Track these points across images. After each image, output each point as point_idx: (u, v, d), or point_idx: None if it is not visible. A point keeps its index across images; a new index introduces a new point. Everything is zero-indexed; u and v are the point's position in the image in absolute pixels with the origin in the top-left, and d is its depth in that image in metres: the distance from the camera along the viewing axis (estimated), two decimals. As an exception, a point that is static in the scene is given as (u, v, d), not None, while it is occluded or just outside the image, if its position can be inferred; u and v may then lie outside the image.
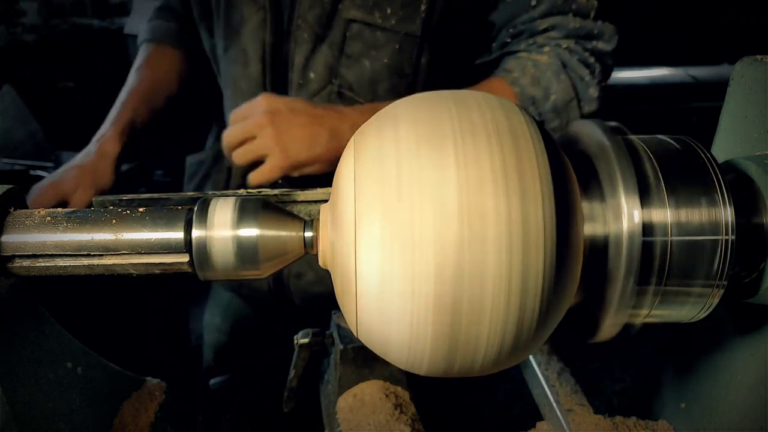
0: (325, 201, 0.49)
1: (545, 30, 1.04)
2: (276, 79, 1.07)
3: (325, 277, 1.16)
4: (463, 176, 0.37)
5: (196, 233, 0.42)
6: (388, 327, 0.39)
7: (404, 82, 1.05)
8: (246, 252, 0.42)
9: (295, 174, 0.95)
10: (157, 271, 0.44)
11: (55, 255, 0.42)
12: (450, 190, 0.37)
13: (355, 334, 0.44)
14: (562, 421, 0.60)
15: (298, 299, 1.21)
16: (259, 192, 0.50)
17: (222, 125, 1.15)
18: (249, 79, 1.08)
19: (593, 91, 1.03)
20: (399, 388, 0.68)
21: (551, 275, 0.38)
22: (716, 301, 0.43)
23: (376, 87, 1.04)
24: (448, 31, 1.05)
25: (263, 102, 0.93)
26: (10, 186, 0.44)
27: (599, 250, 0.41)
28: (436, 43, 1.04)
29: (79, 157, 1.10)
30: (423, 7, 0.99)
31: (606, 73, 1.06)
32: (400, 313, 0.38)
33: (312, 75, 1.04)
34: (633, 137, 0.45)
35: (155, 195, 0.50)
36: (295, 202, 0.51)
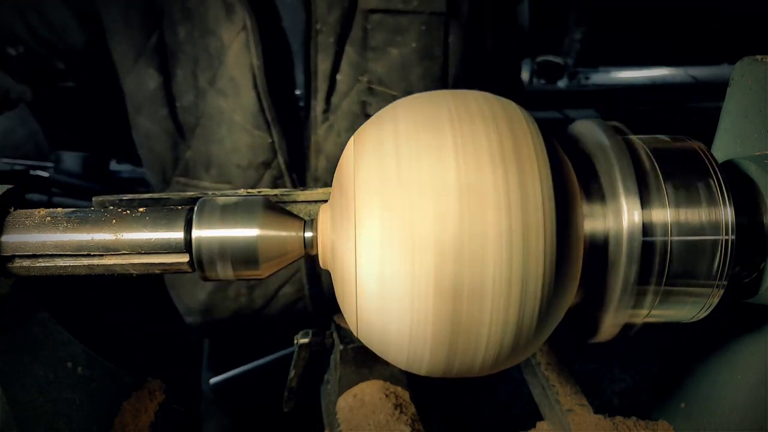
0: (325, 201, 0.49)
1: None
2: (276, 102, 1.00)
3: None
4: (461, 162, 0.37)
5: (196, 233, 0.42)
6: (388, 327, 0.39)
7: (436, 66, 1.00)
8: (246, 252, 0.42)
9: None
10: (157, 271, 0.44)
11: (55, 255, 0.42)
12: (449, 174, 0.37)
13: (355, 334, 0.44)
14: (562, 421, 0.60)
15: (282, 319, 1.16)
16: (259, 192, 0.50)
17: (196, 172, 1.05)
18: (243, 110, 0.99)
19: None
20: (399, 388, 0.68)
21: (551, 275, 0.38)
22: (716, 301, 0.43)
23: (408, 74, 0.99)
24: (474, 5, 1.00)
25: None
26: (10, 186, 0.44)
27: (599, 250, 0.41)
28: (462, 19, 1.00)
29: None
30: None
31: None
32: (400, 314, 0.38)
33: (339, 77, 0.99)
34: (633, 137, 0.45)
35: (155, 195, 0.50)
36: (295, 202, 0.51)
